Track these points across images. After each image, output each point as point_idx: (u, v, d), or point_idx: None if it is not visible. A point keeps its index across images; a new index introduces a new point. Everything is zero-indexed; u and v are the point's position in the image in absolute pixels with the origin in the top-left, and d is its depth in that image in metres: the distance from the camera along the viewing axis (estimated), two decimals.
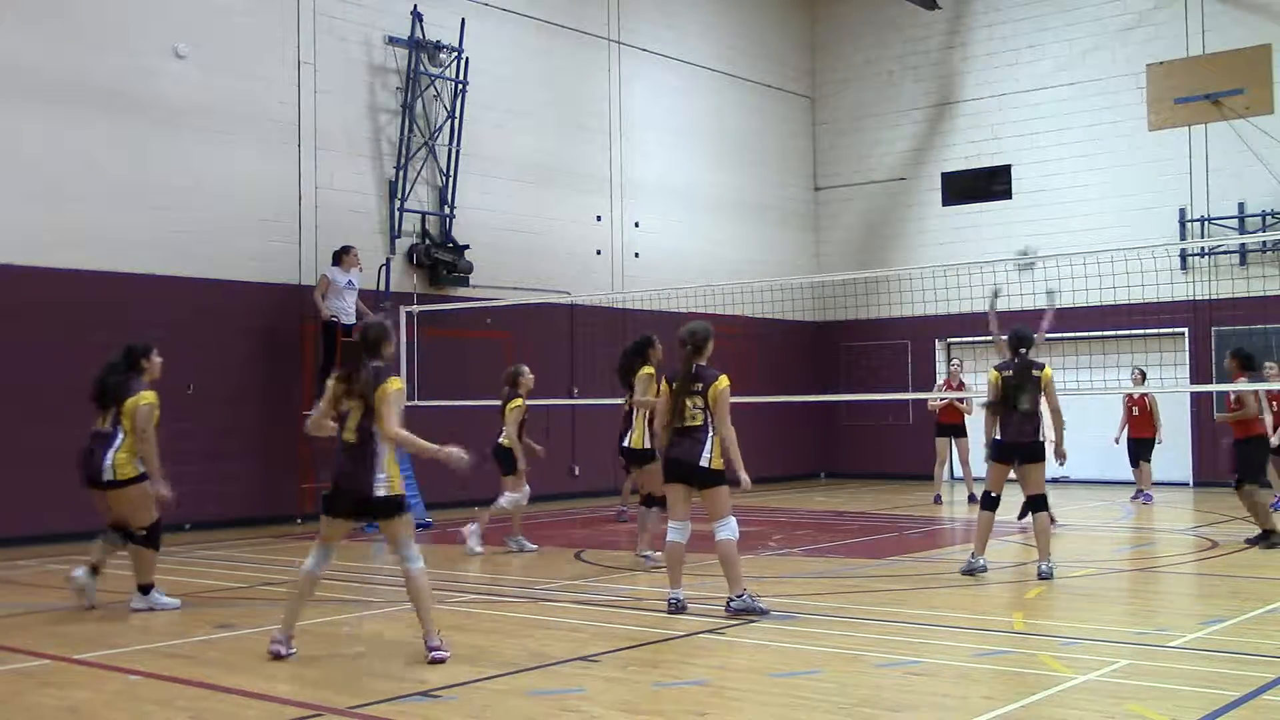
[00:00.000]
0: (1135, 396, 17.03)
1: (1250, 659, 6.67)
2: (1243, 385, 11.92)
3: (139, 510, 8.81)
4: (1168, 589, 10.03)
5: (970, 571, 9.93)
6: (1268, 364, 14.43)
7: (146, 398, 8.78)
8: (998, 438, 10.04)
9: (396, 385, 6.96)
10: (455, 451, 6.85)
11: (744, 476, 8.24)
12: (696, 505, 8.45)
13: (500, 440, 12.03)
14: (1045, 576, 9.64)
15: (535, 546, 12.13)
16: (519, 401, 12.02)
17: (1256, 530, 11.72)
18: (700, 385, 8.29)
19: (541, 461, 12.60)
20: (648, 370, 10.64)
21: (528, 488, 12.20)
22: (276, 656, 6.94)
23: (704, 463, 8.19)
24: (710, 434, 8.22)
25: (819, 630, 7.74)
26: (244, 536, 13.44)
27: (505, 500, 12.03)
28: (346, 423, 6.98)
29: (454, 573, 10.80)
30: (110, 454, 8.70)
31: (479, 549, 11.81)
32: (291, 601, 7.17)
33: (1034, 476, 9.93)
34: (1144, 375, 17.05)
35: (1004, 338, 10.70)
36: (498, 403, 12.37)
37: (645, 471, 10.90)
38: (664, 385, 8.57)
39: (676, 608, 8.29)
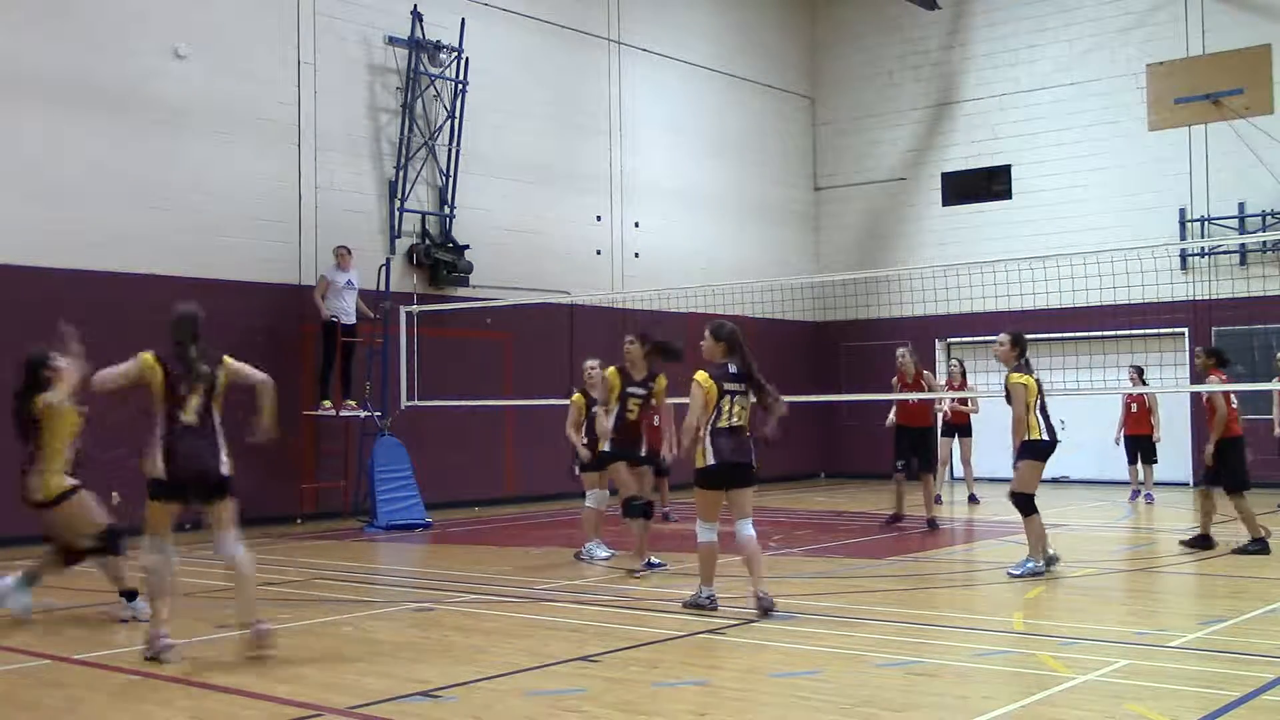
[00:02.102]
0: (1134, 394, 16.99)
1: (1250, 659, 6.67)
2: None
3: (80, 523, 8.50)
4: (1168, 589, 10.02)
5: (1035, 573, 9.83)
6: None
7: (48, 399, 8.03)
8: (1045, 439, 9.99)
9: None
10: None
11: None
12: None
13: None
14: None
15: (606, 555, 11.31)
16: (579, 397, 11.58)
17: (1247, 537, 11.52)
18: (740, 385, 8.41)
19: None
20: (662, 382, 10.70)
21: (603, 490, 11.44)
22: (155, 658, 6.91)
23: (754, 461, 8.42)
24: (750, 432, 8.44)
25: (819, 630, 7.74)
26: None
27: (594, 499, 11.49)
28: (185, 405, 7.08)
29: (454, 573, 10.80)
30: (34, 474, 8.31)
31: (605, 555, 11.24)
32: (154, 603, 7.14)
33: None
34: (1140, 373, 16.98)
35: None
36: (499, 402, 12.28)
37: (615, 470, 10.61)
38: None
39: (713, 604, 8.35)
